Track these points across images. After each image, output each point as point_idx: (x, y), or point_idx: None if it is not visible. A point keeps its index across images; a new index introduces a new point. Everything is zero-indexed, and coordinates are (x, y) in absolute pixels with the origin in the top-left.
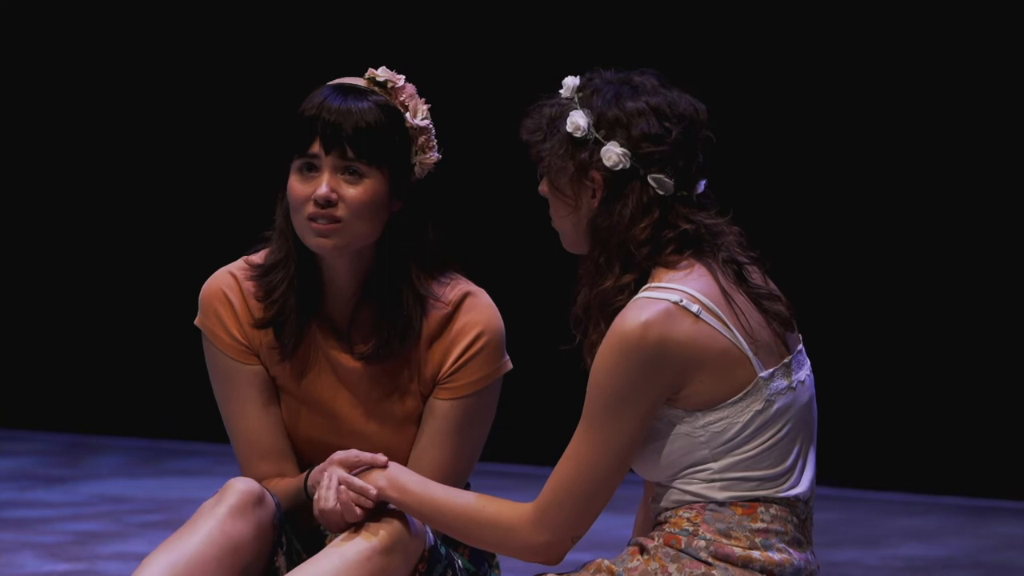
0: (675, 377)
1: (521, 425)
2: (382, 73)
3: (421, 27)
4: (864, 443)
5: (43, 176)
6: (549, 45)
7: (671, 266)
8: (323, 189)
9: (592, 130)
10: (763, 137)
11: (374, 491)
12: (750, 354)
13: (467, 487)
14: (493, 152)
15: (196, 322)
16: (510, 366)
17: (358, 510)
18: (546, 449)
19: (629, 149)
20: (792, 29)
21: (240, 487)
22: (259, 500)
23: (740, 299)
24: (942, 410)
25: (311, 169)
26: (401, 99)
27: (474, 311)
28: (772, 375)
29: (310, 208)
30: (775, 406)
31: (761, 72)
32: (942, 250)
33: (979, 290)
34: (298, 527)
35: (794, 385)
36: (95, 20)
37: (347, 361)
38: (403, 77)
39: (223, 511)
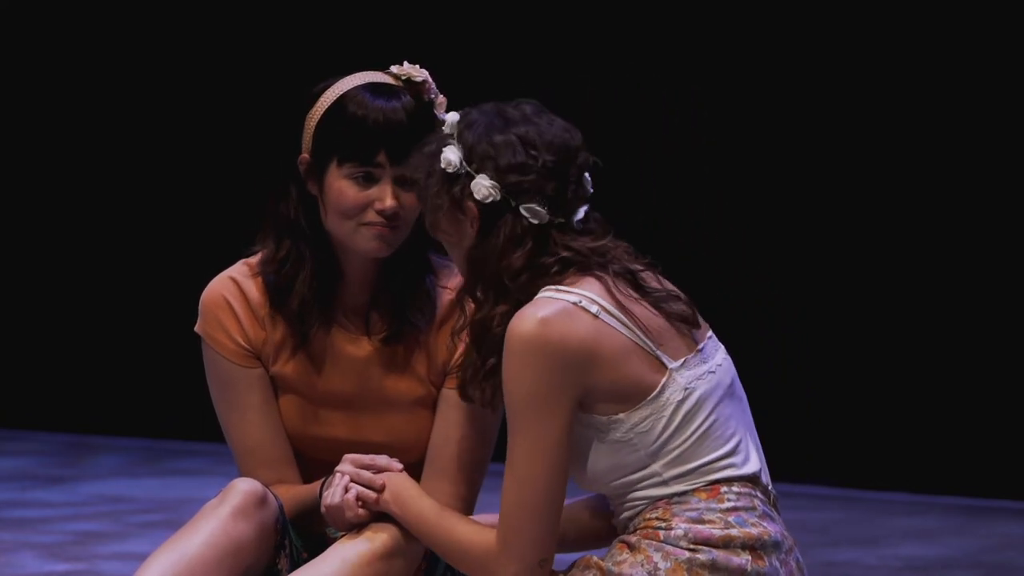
0: (582, 374)
1: None
2: (409, 70)
3: (410, 22)
4: (864, 443)
5: (43, 177)
6: (540, 35)
7: (559, 283)
8: (391, 202)
9: (464, 164)
10: (758, 130)
11: (380, 481)
12: (655, 350)
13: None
14: None
15: (196, 329)
16: None
17: (359, 509)
18: None
19: (497, 181)
20: (753, 28)
21: (243, 488)
22: (262, 501)
23: (636, 304)
24: (941, 410)
25: (368, 178)
26: (428, 96)
27: None
28: (684, 364)
29: (370, 216)
30: (696, 393)
31: (757, 68)
32: (942, 250)
33: (978, 290)
34: (304, 530)
35: (713, 369)
36: (95, 20)
37: (357, 350)
38: (424, 71)
39: (225, 512)
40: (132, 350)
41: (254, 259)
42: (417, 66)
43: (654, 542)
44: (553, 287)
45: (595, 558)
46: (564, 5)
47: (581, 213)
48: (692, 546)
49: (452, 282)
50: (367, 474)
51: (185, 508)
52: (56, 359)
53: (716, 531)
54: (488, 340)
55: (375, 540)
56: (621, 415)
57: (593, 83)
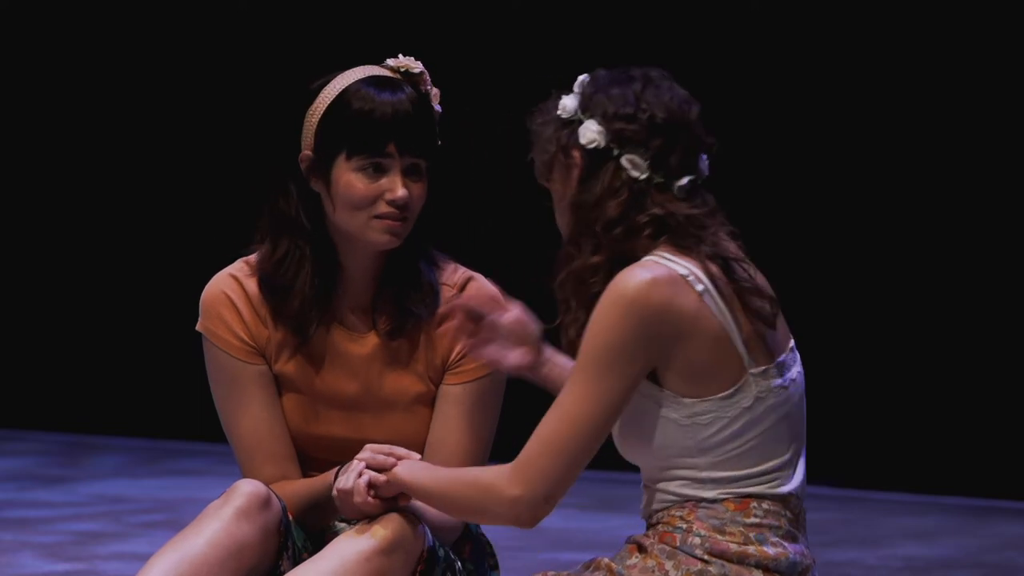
0: (668, 344)
1: (519, 424)
2: (406, 62)
3: (404, 20)
4: (864, 443)
5: (44, 177)
6: (539, 34)
7: (653, 251)
8: (402, 191)
9: (578, 112)
10: (759, 131)
11: (392, 462)
12: (741, 348)
13: None
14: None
15: (198, 327)
16: None
17: (369, 497)
18: None
19: (604, 127)
20: (790, 29)
21: (247, 489)
22: (265, 503)
23: (735, 298)
24: (941, 410)
25: (378, 169)
26: (425, 87)
27: (480, 295)
28: (764, 373)
29: (381, 208)
30: (764, 404)
31: (759, 68)
32: (942, 250)
33: (978, 289)
34: (312, 526)
35: (786, 384)
36: (95, 20)
37: (358, 348)
38: (420, 63)
39: (229, 513)
40: (132, 350)
41: (254, 258)
42: (412, 58)
43: (668, 547)
44: (660, 253)
45: (605, 560)
46: (563, 5)
47: (684, 181)
48: (706, 557)
49: (453, 279)
50: (381, 457)
51: (185, 508)
52: (56, 359)
53: (733, 545)
54: (583, 292)
55: (374, 536)
56: (687, 399)
57: None
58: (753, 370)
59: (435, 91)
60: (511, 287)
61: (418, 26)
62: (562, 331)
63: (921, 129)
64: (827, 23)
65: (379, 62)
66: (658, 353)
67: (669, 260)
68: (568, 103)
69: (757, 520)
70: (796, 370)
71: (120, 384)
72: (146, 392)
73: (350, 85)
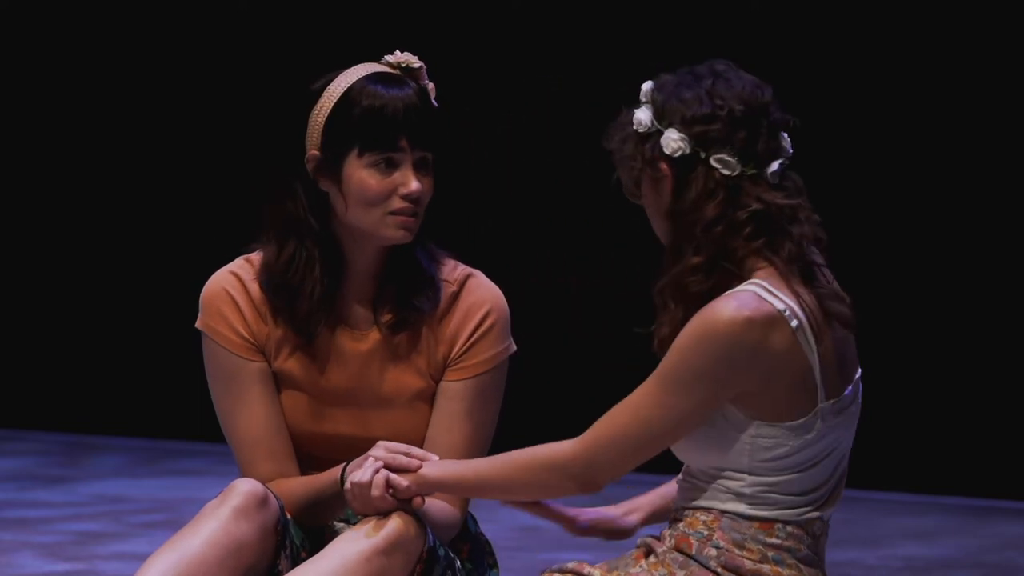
0: (752, 379)
1: (519, 422)
2: (406, 58)
3: (403, 18)
4: (864, 443)
5: (43, 176)
6: (534, 30)
7: (753, 271)
8: (416, 185)
9: (655, 123)
10: None
11: (416, 464)
12: (819, 383)
13: None
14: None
15: (198, 324)
16: (515, 348)
17: (388, 496)
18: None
19: (685, 133)
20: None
21: (244, 488)
22: (263, 502)
23: (818, 319)
24: (942, 410)
25: (390, 164)
26: (424, 82)
27: (480, 290)
28: (832, 407)
29: (396, 203)
30: (826, 440)
31: (758, 68)
32: (940, 250)
33: (978, 290)
34: (311, 522)
35: (846, 419)
36: (95, 20)
37: (359, 345)
38: (417, 58)
39: (226, 512)
40: (132, 350)
41: (255, 256)
42: (409, 53)
43: (682, 555)
44: (759, 282)
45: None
46: (563, 5)
47: (775, 166)
48: (720, 570)
49: (453, 275)
50: (403, 458)
51: (185, 508)
52: (56, 359)
53: (749, 562)
54: (682, 294)
55: (374, 536)
56: (754, 420)
57: (595, 82)
58: (824, 404)
59: (431, 86)
60: (511, 286)
61: (418, 26)
62: (655, 330)
63: (918, 131)
64: (828, 23)
65: (378, 61)
66: (742, 383)
67: (768, 292)
68: (642, 116)
69: (779, 541)
70: (857, 404)
71: (120, 384)
72: (146, 392)
73: (355, 83)
